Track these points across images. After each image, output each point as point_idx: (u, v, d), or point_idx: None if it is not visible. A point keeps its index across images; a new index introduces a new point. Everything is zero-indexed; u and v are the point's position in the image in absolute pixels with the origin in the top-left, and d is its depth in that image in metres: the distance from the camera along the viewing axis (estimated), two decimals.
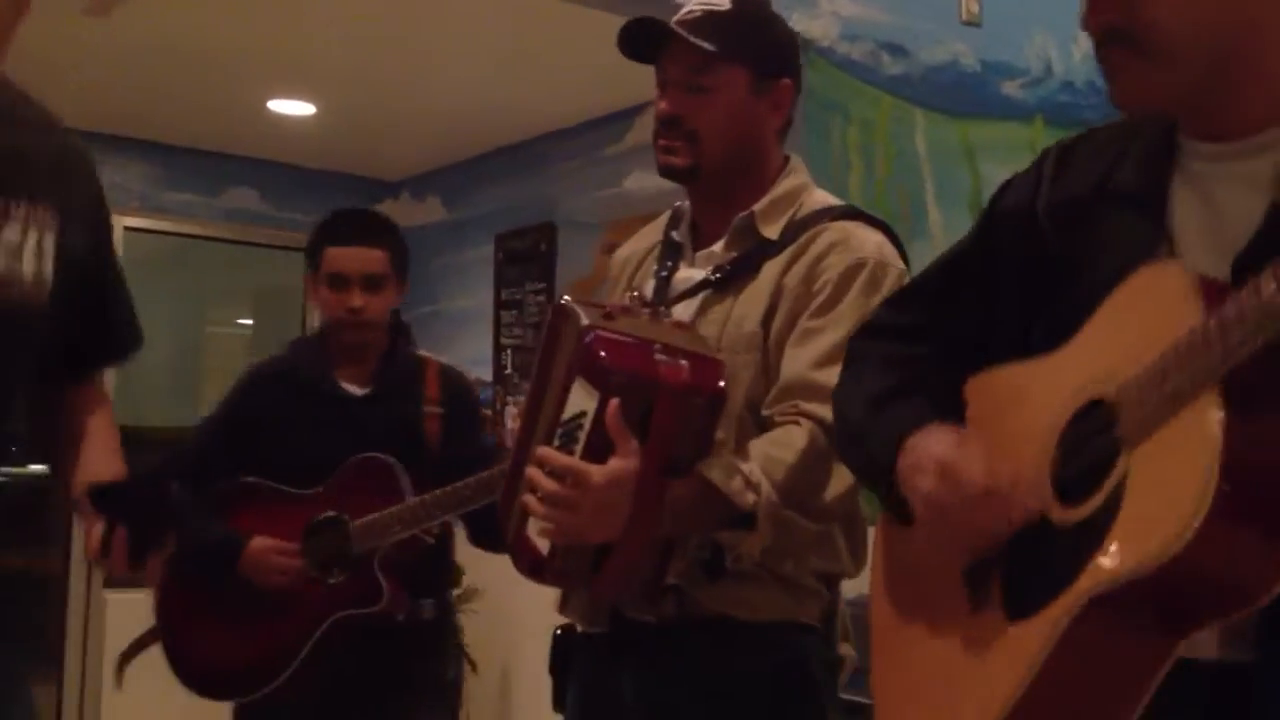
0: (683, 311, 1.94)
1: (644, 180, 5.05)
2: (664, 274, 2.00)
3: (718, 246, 1.98)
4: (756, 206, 1.96)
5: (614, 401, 1.68)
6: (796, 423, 1.79)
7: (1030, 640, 1.23)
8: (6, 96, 1.73)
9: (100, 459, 1.79)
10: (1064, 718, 1.24)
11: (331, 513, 2.73)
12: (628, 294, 1.99)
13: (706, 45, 1.89)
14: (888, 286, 1.86)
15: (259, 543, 2.69)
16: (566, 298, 1.88)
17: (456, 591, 5.51)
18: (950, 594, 1.41)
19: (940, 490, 1.36)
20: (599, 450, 1.69)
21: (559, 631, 2.07)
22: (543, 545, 1.75)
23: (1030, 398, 1.37)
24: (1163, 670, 1.18)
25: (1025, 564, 1.32)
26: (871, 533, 1.67)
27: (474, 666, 5.61)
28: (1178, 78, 1.30)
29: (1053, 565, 1.25)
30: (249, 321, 7.55)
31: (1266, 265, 1.08)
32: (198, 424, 3.04)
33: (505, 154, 6.36)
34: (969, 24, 4.35)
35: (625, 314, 1.82)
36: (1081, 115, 4.19)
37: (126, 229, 6.35)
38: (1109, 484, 1.21)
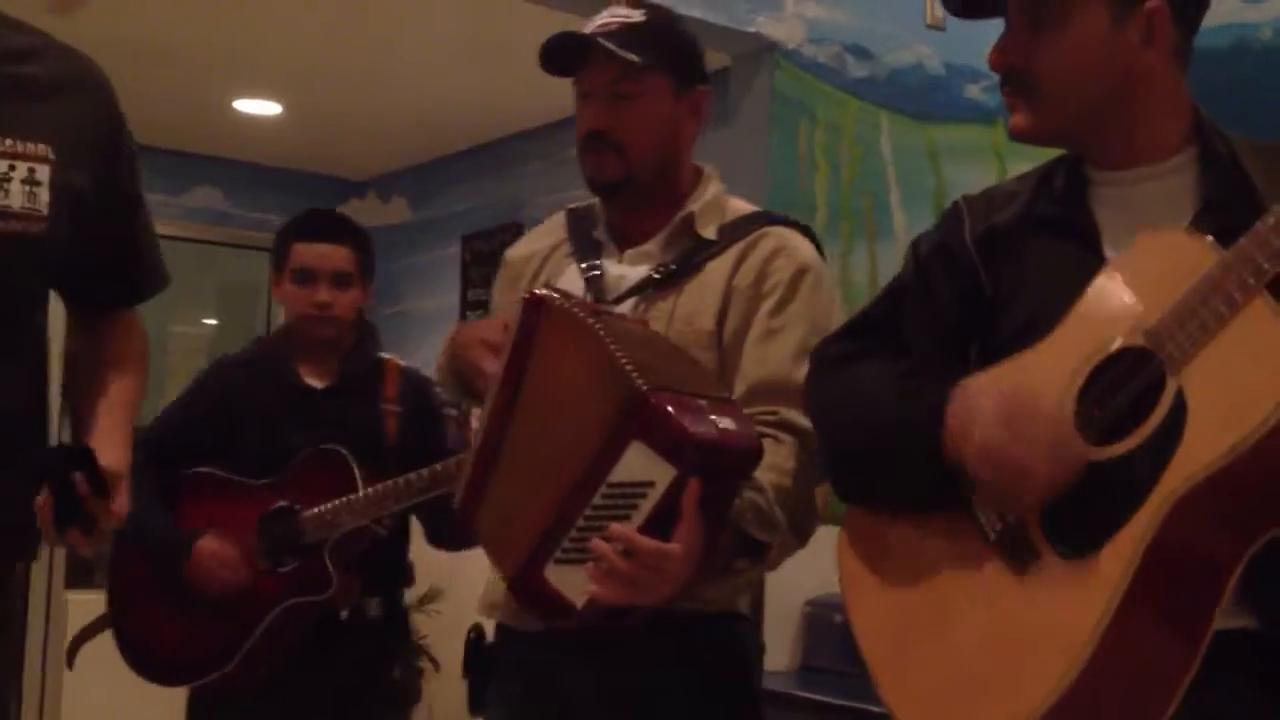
0: (625, 308, 1.95)
1: None
2: (596, 273, 1.99)
3: (651, 246, 2.00)
4: (694, 208, 1.99)
5: (696, 483, 1.60)
6: (779, 439, 1.81)
7: (1107, 567, 1.25)
8: (21, 37, 1.75)
9: (104, 432, 1.76)
10: (1152, 638, 1.26)
11: (283, 503, 2.73)
12: (544, 289, 1.91)
13: (632, 56, 1.92)
14: (827, 289, 1.96)
15: (206, 547, 2.70)
16: (544, 290, 1.83)
17: (420, 592, 5.52)
18: (980, 569, 1.41)
19: (1013, 407, 1.36)
20: (662, 524, 1.62)
21: (473, 635, 2.08)
22: (574, 597, 1.68)
23: (1034, 376, 1.40)
24: (1237, 571, 1.22)
25: (1069, 512, 1.34)
26: (833, 542, 1.66)
27: (437, 666, 5.61)
28: (1060, 116, 1.49)
29: (1105, 501, 1.28)
30: (213, 321, 7.52)
31: None
32: (161, 412, 3.03)
33: (472, 154, 6.36)
34: (933, 27, 4.38)
35: (598, 312, 1.80)
36: None
37: None
38: (1163, 404, 1.26)
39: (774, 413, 1.83)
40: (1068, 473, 1.34)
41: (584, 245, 2.06)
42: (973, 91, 4.37)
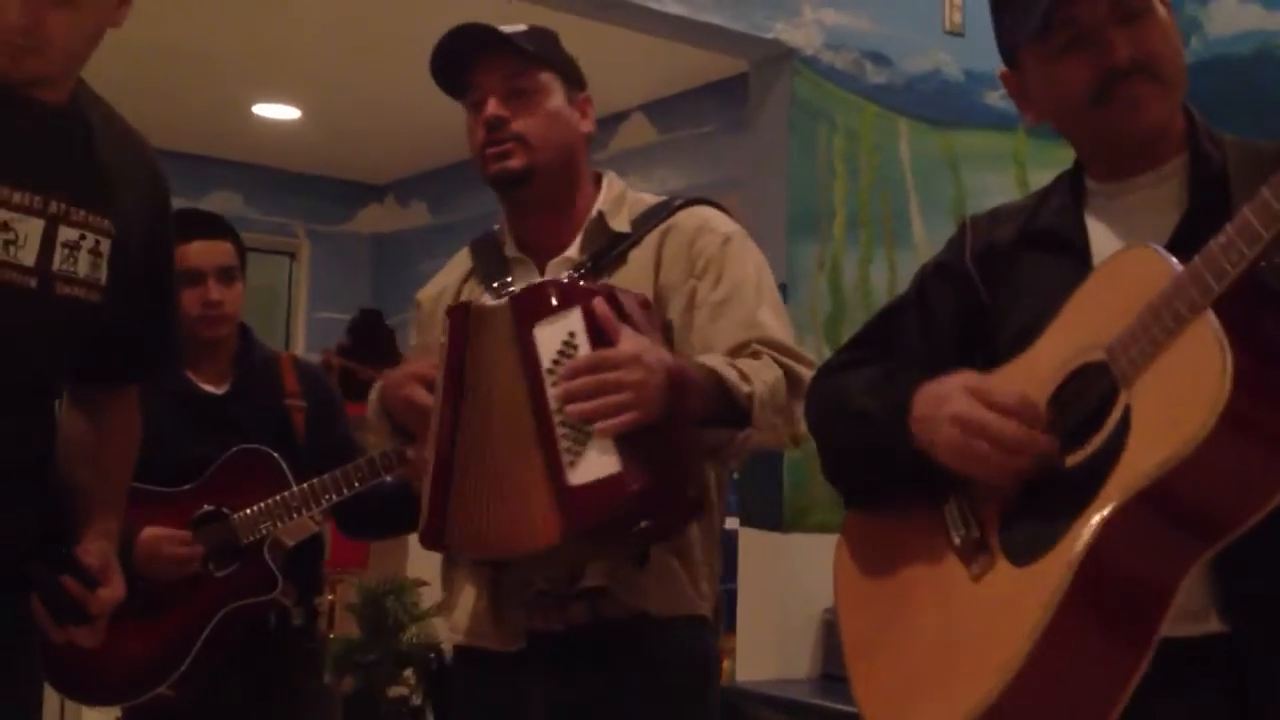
0: None
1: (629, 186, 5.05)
2: (510, 289, 1.99)
3: (571, 251, 2.01)
4: (601, 206, 2.02)
5: (597, 299, 1.74)
6: (759, 357, 1.88)
7: (1045, 577, 1.28)
8: (97, 112, 1.82)
9: (99, 518, 1.86)
10: (1088, 652, 1.28)
11: (210, 506, 2.69)
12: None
13: (527, 46, 1.97)
14: (752, 253, 2.00)
15: (150, 533, 2.61)
16: (460, 301, 1.95)
17: (436, 599, 5.53)
18: (944, 573, 1.45)
19: (972, 407, 1.39)
20: (604, 346, 1.73)
21: (434, 657, 2.09)
22: (608, 466, 1.69)
23: (1015, 388, 1.42)
24: (1180, 585, 1.24)
25: (1023, 521, 1.37)
26: (831, 548, 1.68)
27: None
28: (1177, 98, 1.48)
29: (1055, 511, 1.31)
30: None
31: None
32: None
33: None
34: (952, 33, 4.37)
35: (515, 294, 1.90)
36: None
37: None
38: (1112, 418, 1.29)
39: (751, 349, 1.89)
40: (1024, 434, 1.37)
41: (492, 268, 2.07)
42: (992, 98, 4.36)
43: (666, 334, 1.93)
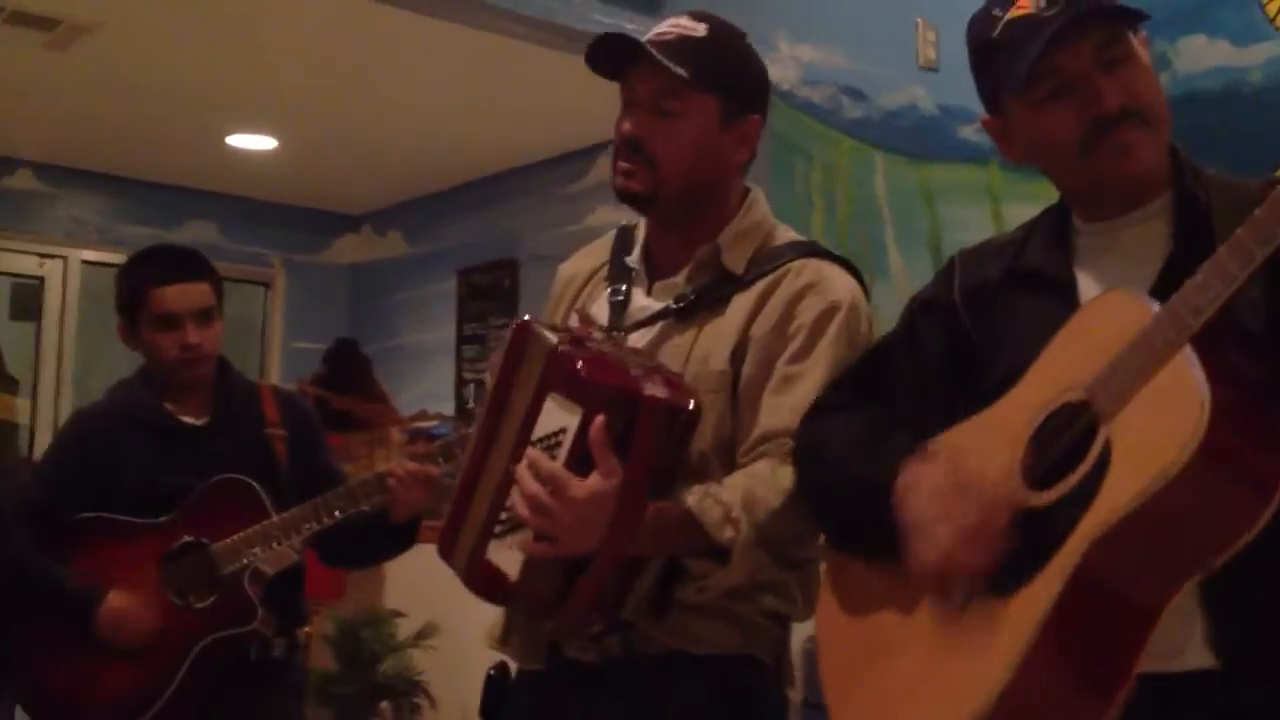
0: (639, 340, 1.89)
1: (607, 217, 5.06)
2: (619, 299, 1.94)
3: (679, 278, 1.91)
4: (721, 239, 1.89)
5: (600, 418, 1.63)
6: (784, 461, 1.75)
7: (1023, 611, 1.29)
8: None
9: None
10: (1069, 673, 1.29)
11: (188, 538, 2.67)
12: (575, 313, 1.93)
13: (679, 70, 1.81)
14: (862, 331, 1.85)
15: (115, 603, 2.60)
16: (527, 316, 1.84)
17: (416, 627, 5.50)
18: (924, 607, 1.46)
19: (948, 483, 1.41)
20: (579, 466, 1.65)
21: (492, 672, 2.05)
22: (509, 567, 1.71)
23: (991, 434, 1.45)
24: (1161, 614, 1.26)
25: (1007, 553, 1.37)
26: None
27: (433, 703, 5.58)
28: (1165, 139, 1.50)
29: (1034, 545, 1.32)
30: None
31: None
32: (28, 477, 2.93)
33: (468, 189, 6.38)
34: (926, 69, 4.41)
35: (586, 336, 1.79)
36: None
37: (84, 262, 6.32)
38: (1092, 453, 1.31)
39: (783, 443, 1.77)
40: (984, 555, 1.37)
41: (616, 270, 1.99)
42: (966, 132, 4.39)
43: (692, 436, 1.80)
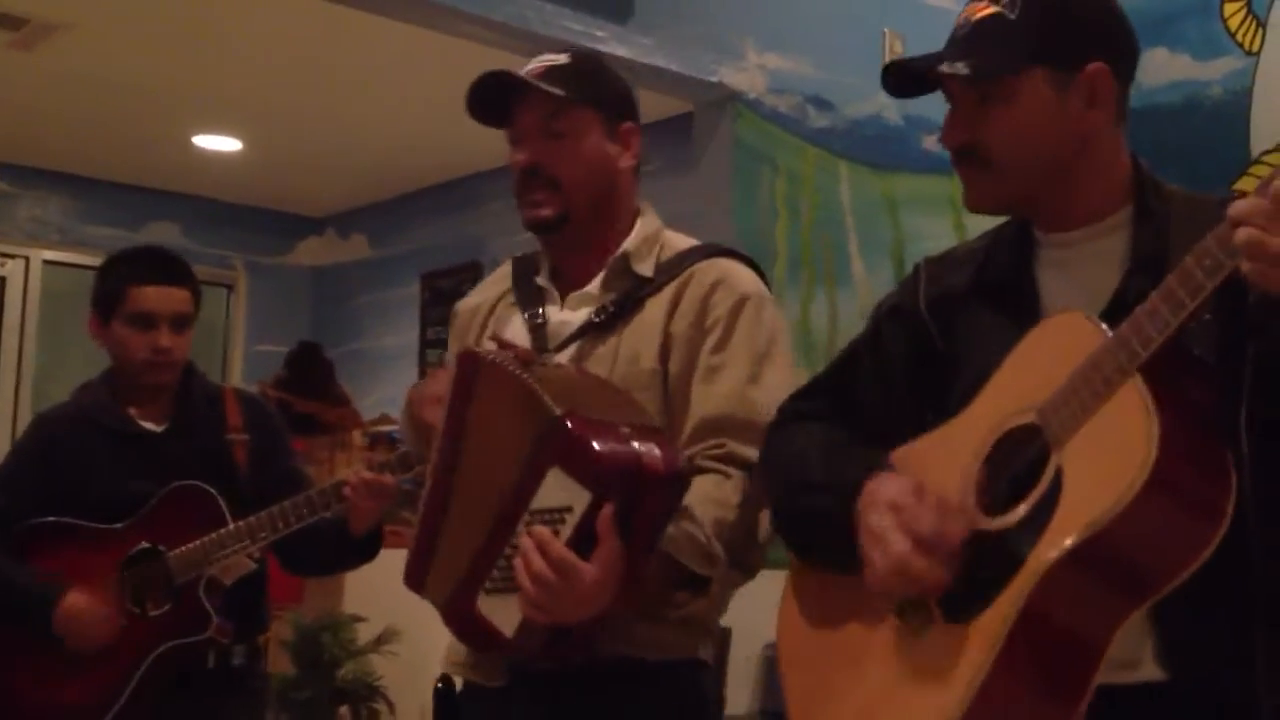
0: (563, 354, 1.95)
1: None
2: (539, 322, 2.00)
3: (592, 288, 1.99)
4: (628, 246, 1.99)
5: (610, 507, 1.65)
6: (726, 474, 1.82)
7: (978, 638, 1.30)
8: None
9: None
10: (1026, 696, 1.30)
11: (145, 544, 2.65)
12: (488, 340, 1.98)
13: (557, 90, 1.92)
14: (769, 317, 1.94)
15: (74, 602, 2.58)
16: (471, 349, 1.89)
17: (376, 632, 5.49)
18: (884, 628, 1.47)
19: (907, 494, 1.43)
20: (584, 545, 1.66)
21: (439, 685, 2.07)
22: (504, 625, 1.72)
23: (948, 451, 1.47)
24: (1113, 638, 1.27)
25: (958, 581, 1.39)
26: (779, 588, 1.70)
27: (392, 709, 5.56)
28: (1013, 186, 1.52)
29: (991, 570, 1.34)
30: None
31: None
32: None
33: (432, 193, 6.37)
34: None
35: (535, 359, 1.84)
36: None
37: (45, 262, 6.27)
38: (1044, 480, 1.32)
39: (720, 445, 1.84)
40: (938, 569, 1.39)
41: (527, 293, 2.06)
42: (930, 143, 4.43)
43: (666, 387, 1.90)
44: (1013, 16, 1.50)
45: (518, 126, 1.98)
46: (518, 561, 1.68)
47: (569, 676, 1.86)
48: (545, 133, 1.95)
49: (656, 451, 1.71)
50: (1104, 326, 1.32)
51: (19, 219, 6.25)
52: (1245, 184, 3.81)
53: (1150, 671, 1.36)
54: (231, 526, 2.61)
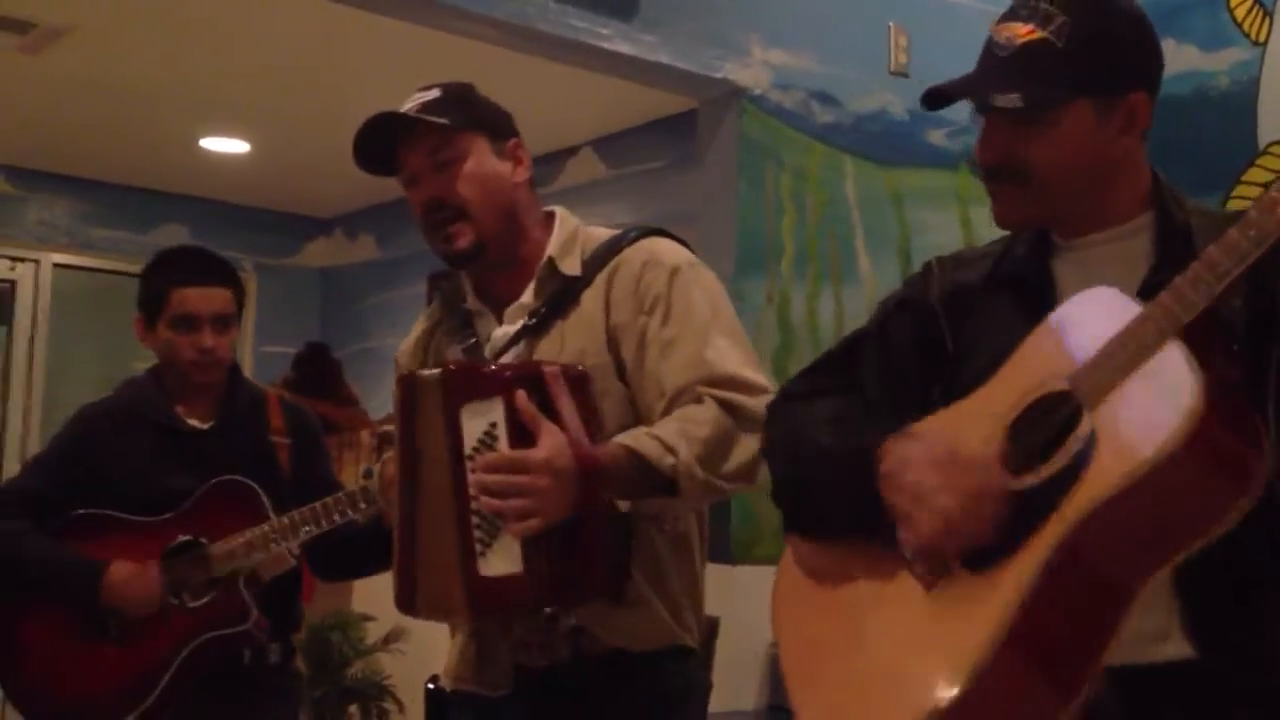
0: (507, 361, 2.00)
1: None
2: (472, 341, 2.05)
3: (526, 298, 2.03)
4: (551, 251, 2.03)
5: (519, 392, 1.77)
6: (699, 400, 1.88)
7: (1005, 585, 1.31)
8: None
9: None
10: (1042, 656, 1.31)
11: (187, 537, 2.68)
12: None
13: (440, 120, 1.98)
14: (704, 281, 2.00)
15: (119, 568, 2.62)
16: (406, 369, 1.98)
17: (384, 631, 5.50)
18: (895, 583, 1.48)
19: (945, 455, 1.44)
20: (523, 442, 1.76)
21: (431, 687, 2.10)
22: (511, 566, 1.76)
23: (970, 421, 1.48)
24: (1133, 602, 1.28)
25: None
26: (767, 572, 1.72)
27: (401, 707, 5.57)
28: (1048, 203, 1.55)
29: (1015, 525, 1.35)
30: None
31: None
32: (27, 467, 2.93)
33: None
34: (897, 74, 4.44)
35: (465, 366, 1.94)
36: None
37: (55, 265, 6.29)
38: (1074, 440, 1.33)
39: (692, 392, 1.90)
40: (985, 524, 1.39)
41: (456, 320, 2.11)
42: (935, 137, 4.43)
43: (620, 380, 1.95)
44: (1060, 45, 1.50)
45: (409, 167, 2.04)
46: (483, 499, 1.74)
47: (564, 675, 1.92)
48: (436, 165, 2.01)
49: (536, 359, 1.89)
50: (1135, 301, 1.34)
51: (28, 222, 6.28)
52: (1253, 174, 3.81)
53: (1178, 647, 1.37)
54: (274, 521, 2.63)
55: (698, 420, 1.85)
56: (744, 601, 4.17)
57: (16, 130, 5.73)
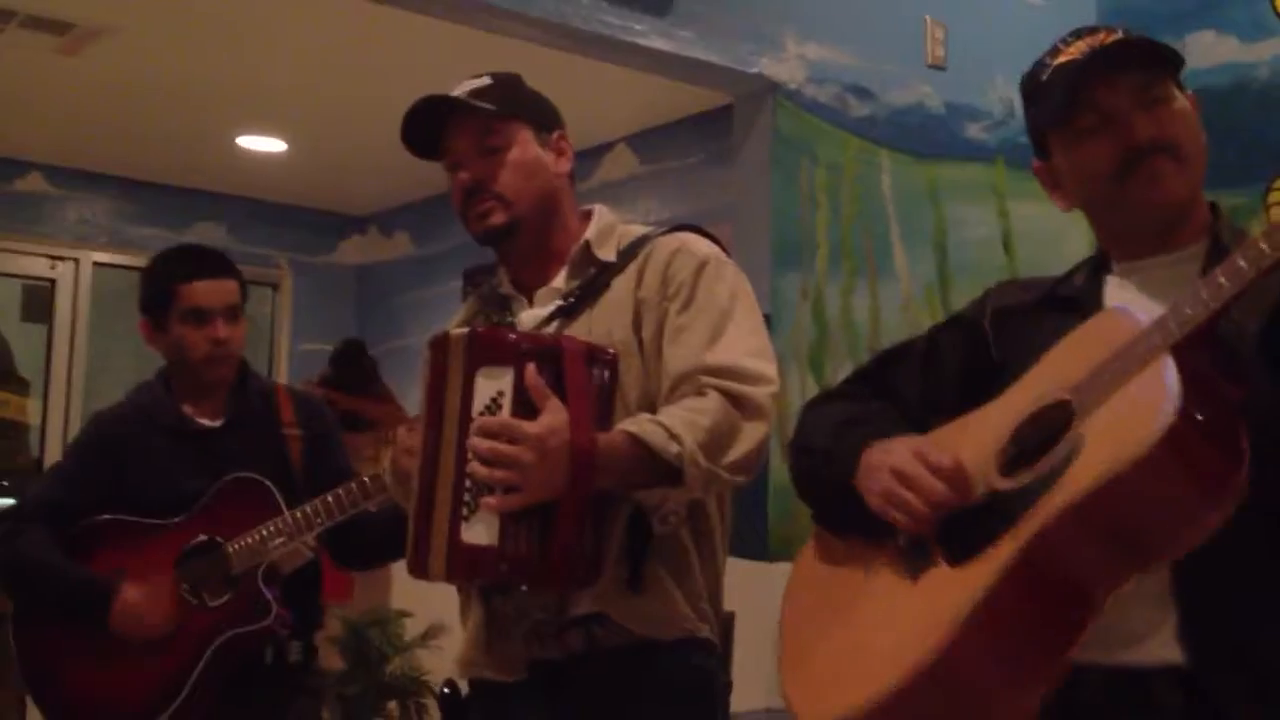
0: None
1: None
2: (509, 320, 2.06)
3: (558, 281, 2.05)
4: (589, 236, 2.06)
5: (529, 365, 1.78)
6: (702, 393, 1.89)
7: (979, 571, 1.36)
8: None
9: None
10: (1007, 647, 1.35)
11: (204, 537, 2.69)
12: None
13: (489, 106, 2.01)
14: (730, 275, 2.02)
15: (128, 595, 2.63)
16: (438, 332, 1.96)
17: (422, 629, 5.51)
18: (885, 572, 1.55)
19: (910, 463, 1.50)
20: (525, 414, 1.77)
21: (445, 690, 2.10)
22: (488, 537, 1.77)
23: (982, 428, 1.54)
24: (1105, 599, 1.32)
25: (966, 528, 1.45)
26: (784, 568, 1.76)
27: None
28: (1197, 177, 1.57)
29: (996, 521, 1.40)
30: None
31: None
32: (45, 477, 2.97)
33: None
34: (934, 67, 4.41)
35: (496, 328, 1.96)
36: None
37: (95, 264, 6.34)
38: (1063, 444, 1.38)
39: (695, 383, 1.91)
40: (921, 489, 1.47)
41: (492, 306, 2.12)
42: (972, 130, 4.40)
43: (646, 356, 1.96)
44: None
45: (454, 152, 2.06)
46: (471, 465, 1.75)
47: (579, 666, 1.91)
48: (481, 150, 2.03)
49: (570, 334, 1.89)
50: (1143, 316, 1.38)
51: (68, 221, 6.33)
52: None
53: (1166, 652, 1.38)
54: (288, 515, 2.65)
55: (701, 409, 1.86)
56: (767, 597, 4.16)
57: (55, 130, 5.78)
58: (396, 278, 6.88)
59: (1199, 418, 1.26)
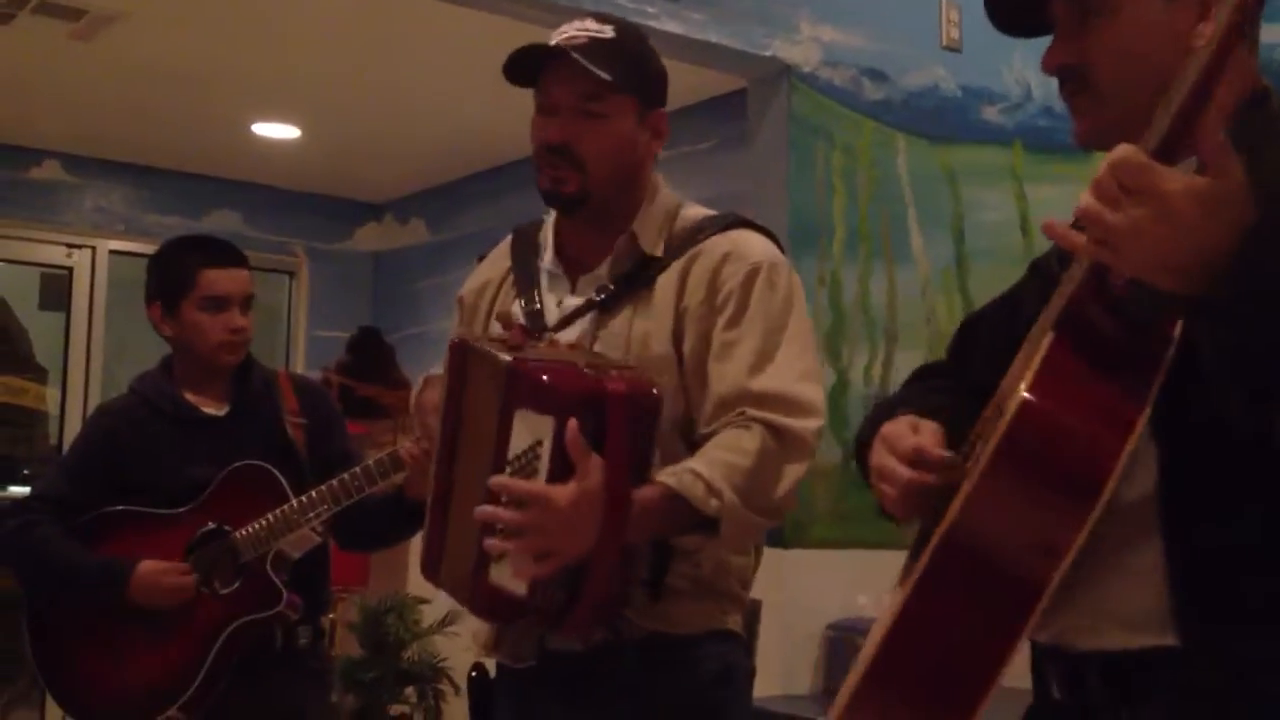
0: (572, 334, 1.94)
1: None
2: (536, 307, 1.99)
3: (602, 270, 1.97)
4: (635, 226, 1.96)
5: (573, 421, 1.67)
6: (746, 427, 1.82)
7: (919, 566, 1.30)
8: None
9: None
10: (946, 638, 1.28)
11: (212, 525, 2.70)
12: (495, 320, 1.98)
13: (603, 74, 1.87)
14: (784, 283, 1.92)
15: (147, 565, 2.65)
16: (461, 336, 1.89)
17: (440, 615, 5.53)
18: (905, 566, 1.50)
19: (880, 456, 1.43)
20: (563, 473, 1.68)
21: (474, 674, 2.09)
22: (516, 586, 1.72)
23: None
24: (1047, 588, 1.24)
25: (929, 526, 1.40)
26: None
27: (456, 689, 5.60)
28: (1119, 110, 1.39)
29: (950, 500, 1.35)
30: None
31: None
32: (53, 471, 2.98)
33: (489, 176, 6.38)
34: (949, 49, 4.39)
35: (524, 344, 1.83)
36: (1059, 140, 4.22)
37: (111, 252, 6.36)
38: (1001, 424, 1.30)
39: (740, 413, 1.84)
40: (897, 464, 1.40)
41: (525, 275, 2.04)
42: (989, 113, 4.37)
43: (684, 372, 1.89)
44: None
45: (552, 97, 1.93)
46: (482, 526, 1.68)
47: (600, 658, 1.87)
48: (580, 112, 1.91)
49: (615, 373, 1.75)
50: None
51: (84, 209, 6.35)
52: None
53: (1159, 635, 1.32)
54: (295, 501, 2.65)
55: (743, 450, 1.80)
56: (797, 584, 4.15)
57: (70, 117, 5.79)
58: (413, 264, 6.88)
59: (1071, 387, 1.22)
